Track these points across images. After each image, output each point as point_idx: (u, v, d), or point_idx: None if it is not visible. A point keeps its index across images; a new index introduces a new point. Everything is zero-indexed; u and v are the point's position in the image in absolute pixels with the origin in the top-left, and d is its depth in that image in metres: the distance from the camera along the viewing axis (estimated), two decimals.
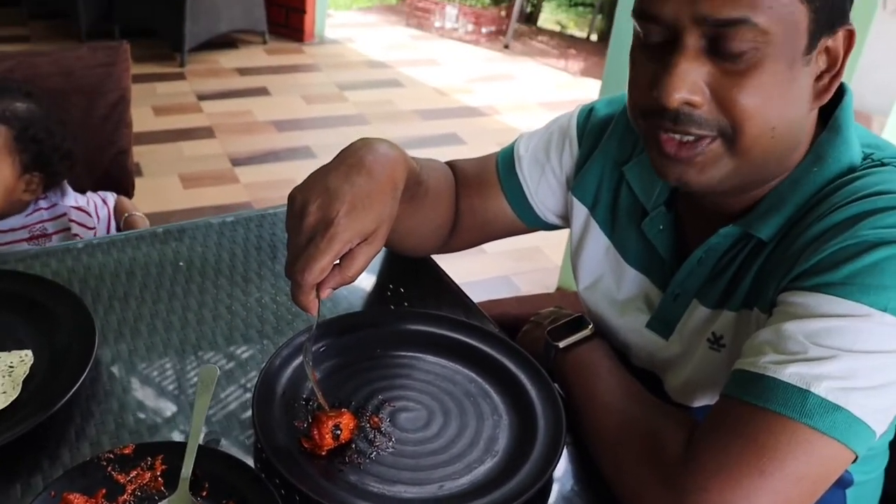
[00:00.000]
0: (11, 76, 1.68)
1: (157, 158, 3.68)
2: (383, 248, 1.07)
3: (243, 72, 4.81)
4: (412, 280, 1.25)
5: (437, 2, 6.07)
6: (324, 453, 0.90)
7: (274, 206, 1.41)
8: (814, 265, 0.82)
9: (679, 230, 1.03)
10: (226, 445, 0.93)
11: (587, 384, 0.98)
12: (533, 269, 3.16)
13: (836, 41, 0.84)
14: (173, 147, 3.82)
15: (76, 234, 1.67)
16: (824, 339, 0.78)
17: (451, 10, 6.02)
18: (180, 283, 1.19)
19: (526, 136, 1.21)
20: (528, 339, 1.18)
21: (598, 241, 1.12)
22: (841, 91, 0.92)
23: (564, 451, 0.93)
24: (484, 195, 1.20)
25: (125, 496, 0.84)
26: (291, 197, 0.91)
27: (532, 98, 4.96)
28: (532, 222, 1.21)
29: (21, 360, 0.99)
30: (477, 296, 1.26)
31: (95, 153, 1.85)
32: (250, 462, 0.91)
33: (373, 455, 0.92)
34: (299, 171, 3.45)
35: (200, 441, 0.88)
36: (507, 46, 5.82)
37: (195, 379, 1.02)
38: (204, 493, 0.84)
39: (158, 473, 0.86)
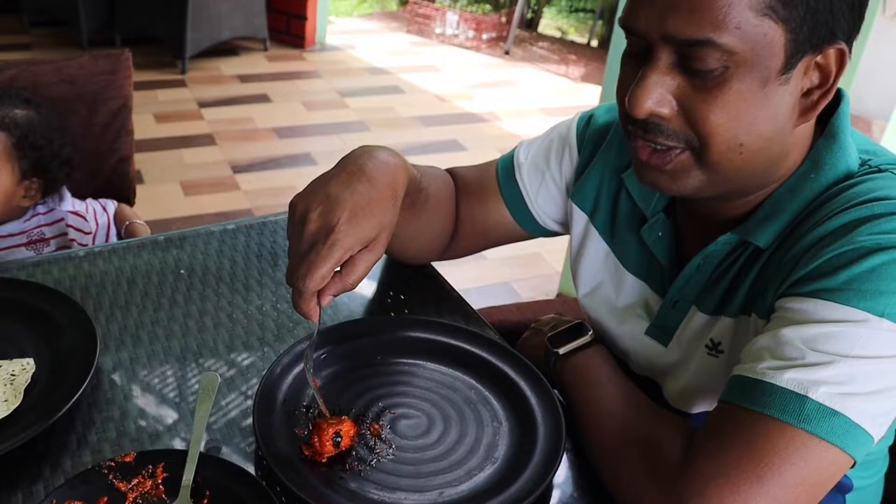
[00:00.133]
0: (12, 84, 1.69)
1: (158, 165, 3.68)
2: (384, 256, 1.07)
3: (244, 79, 4.82)
4: (412, 287, 1.25)
5: (438, 8, 6.09)
6: (324, 460, 0.90)
7: (275, 214, 1.41)
8: (811, 271, 0.82)
9: (677, 237, 1.04)
10: (227, 453, 0.93)
11: (587, 390, 0.99)
12: (533, 276, 3.16)
13: (827, 58, 0.83)
14: (174, 154, 3.83)
15: (73, 240, 1.68)
16: (822, 344, 0.78)
17: (452, 17, 6.03)
18: (181, 290, 1.20)
19: (525, 143, 1.22)
20: (528, 345, 1.19)
21: (597, 248, 1.13)
22: (837, 97, 0.92)
23: (564, 458, 0.94)
24: (484, 202, 1.20)
25: None
26: (292, 204, 0.91)
27: (533, 104, 4.97)
28: (532, 229, 1.22)
29: (23, 369, 0.99)
30: (477, 302, 1.26)
31: (97, 160, 1.86)
32: (251, 469, 0.91)
33: (373, 462, 0.92)
34: (300, 178, 3.46)
35: (201, 448, 0.88)
36: (507, 52, 5.84)
37: (196, 386, 1.02)
38: (205, 501, 0.85)
39: (160, 481, 0.86)
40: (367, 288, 1.25)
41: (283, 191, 3.55)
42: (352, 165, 0.94)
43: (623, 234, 1.09)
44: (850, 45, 0.84)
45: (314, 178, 0.94)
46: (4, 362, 1.00)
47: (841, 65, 0.83)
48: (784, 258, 0.87)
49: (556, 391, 1.02)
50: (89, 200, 1.77)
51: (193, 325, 1.13)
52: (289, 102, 4.58)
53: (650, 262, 1.06)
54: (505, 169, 1.20)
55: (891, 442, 1.05)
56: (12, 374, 0.98)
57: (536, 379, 1.03)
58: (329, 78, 5.02)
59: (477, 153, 4.04)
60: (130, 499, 0.84)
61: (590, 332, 1.06)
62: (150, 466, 0.87)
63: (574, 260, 1.18)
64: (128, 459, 0.87)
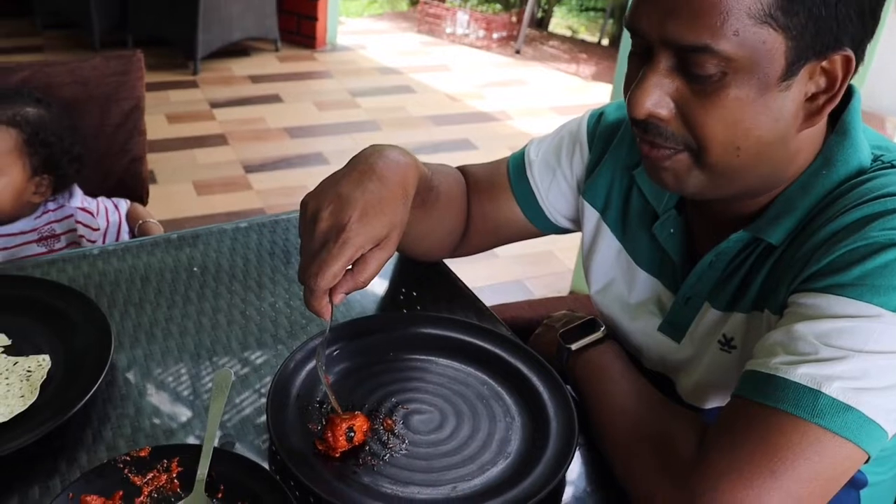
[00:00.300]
0: (26, 85, 1.70)
1: (170, 166, 3.70)
2: (395, 253, 1.07)
3: (256, 79, 4.83)
4: (424, 284, 1.25)
5: (448, 8, 6.09)
6: (337, 455, 0.91)
7: (287, 212, 1.42)
8: (824, 267, 0.82)
9: (689, 234, 1.04)
10: (240, 449, 0.94)
11: (599, 386, 0.99)
12: (546, 274, 3.16)
13: (833, 64, 0.82)
14: (187, 154, 3.84)
15: (81, 236, 1.69)
16: (835, 339, 0.78)
17: (462, 16, 6.03)
18: (195, 288, 1.20)
19: (536, 140, 1.22)
20: (540, 341, 1.19)
21: (609, 245, 1.13)
22: (848, 93, 0.92)
23: (577, 453, 0.94)
24: (495, 200, 1.21)
25: (142, 498, 0.85)
26: (304, 203, 0.92)
27: (543, 103, 4.96)
28: (543, 226, 1.22)
29: (39, 365, 1.00)
30: (490, 300, 1.26)
31: (109, 161, 1.87)
32: (265, 465, 0.91)
33: (386, 457, 0.93)
34: (312, 178, 3.46)
35: (216, 444, 0.89)
36: (518, 52, 5.83)
37: (210, 384, 1.03)
38: (219, 495, 0.85)
39: (174, 475, 0.87)
40: (380, 285, 1.25)
41: (295, 190, 3.56)
42: (363, 164, 0.94)
43: (635, 231, 1.09)
44: (861, 50, 0.83)
45: (325, 177, 0.94)
46: (21, 359, 1.01)
47: (847, 71, 0.82)
48: (796, 254, 0.87)
49: (568, 387, 1.02)
50: (101, 199, 1.78)
51: (207, 322, 1.14)
52: (300, 102, 4.59)
53: (662, 258, 1.06)
54: (516, 166, 1.20)
55: None
56: (28, 371, 0.99)
57: (549, 375, 1.03)
58: (340, 78, 5.03)
59: (488, 152, 4.04)
60: (146, 493, 0.85)
61: (602, 328, 1.06)
62: (165, 461, 0.88)
63: (586, 257, 1.18)
64: (143, 454, 0.87)
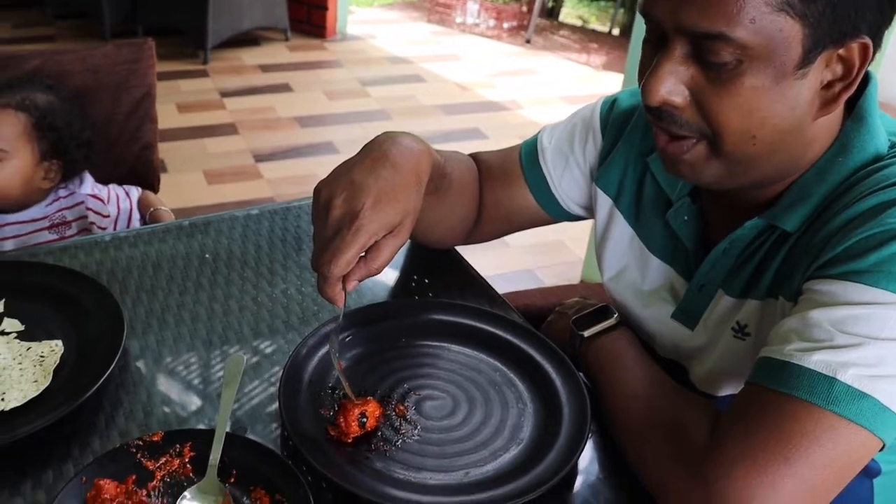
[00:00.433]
0: (37, 74, 1.71)
1: (181, 155, 3.71)
2: (408, 240, 1.07)
3: (266, 68, 4.84)
4: (437, 271, 1.25)
5: None
6: (350, 441, 0.91)
7: (298, 199, 1.42)
8: (840, 253, 0.81)
9: (703, 221, 1.03)
10: (252, 436, 0.94)
11: (612, 373, 0.99)
12: (556, 263, 3.15)
13: (850, 52, 0.81)
14: (197, 143, 3.85)
15: (92, 223, 1.70)
16: (851, 326, 0.77)
17: (473, 6, 6.01)
18: (206, 275, 1.21)
19: (549, 127, 1.22)
20: (552, 328, 1.19)
21: (622, 232, 1.12)
22: (865, 80, 0.91)
23: (589, 440, 0.93)
24: (508, 187, 1.20)
25: (154, 482, 0.85)
26: (317, 190, 0.91)
27: (554, 92, 4.94)
28: (556, 213, 1.21)
29: (52, 350, 1.00)
30: (501, 289, 1.26)
31: (120, 149, 1.88)
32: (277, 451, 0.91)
33: (398, 442, 0.93)
34: (322, 167, 3.46)
35: (228, 429, 0.89)
36: (528, 41, 5.81)
37: (221, 372, 1.03)
38: (232, 480, 0.85)
39: (187, 460, 0.87)
40: (392, 272, 1.25)
41: (305, 179, 3.56)
42: (376, 151, 0.94)
43: (648, 218, 1.09)
44: (879, 37, 0.82)
45: (338, 165, 0.94)
46: (34, 344, 1.01)
47: (864, 58, 0.81)
48: (812, 241, 0.87)
49: (580, 373, 1.02)
50: (112, 186, 1.78)
51: (219, 308, 1.14)
52: (310, 92, 4.59)
53: (675, 245, 1.06)
54: (528, 153, 1.20)
55: None
56: (41, 356, 0.99)
57: (561, 361, 1.03)
58: (350, 67, 5.03)
59: (499, 141, 4.00)
60: (158, 477, 0.85)
61: (615, 315, 1.06)
62: (178, 446, 0.88)
63: (599, 244, 1.17)
64: (155, 439, 0.88)
